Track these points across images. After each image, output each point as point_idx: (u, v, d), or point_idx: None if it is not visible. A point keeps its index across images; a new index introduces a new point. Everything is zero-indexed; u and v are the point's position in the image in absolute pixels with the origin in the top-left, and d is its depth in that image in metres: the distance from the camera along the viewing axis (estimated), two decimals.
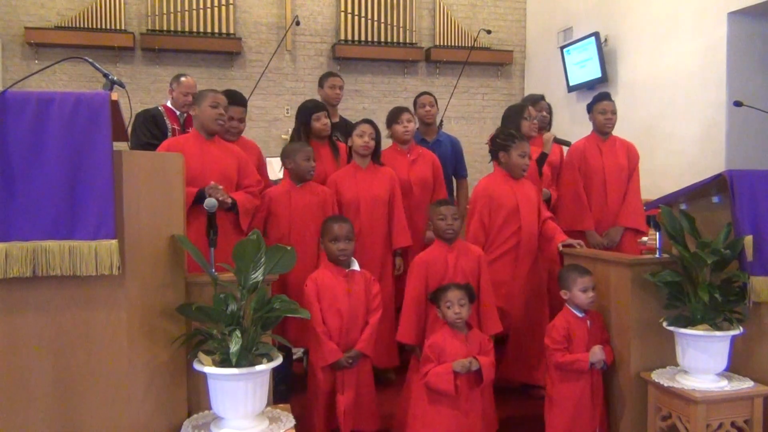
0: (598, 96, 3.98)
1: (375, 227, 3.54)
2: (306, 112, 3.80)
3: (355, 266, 2.96)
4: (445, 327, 2.79)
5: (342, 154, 3.86)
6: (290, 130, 7.39)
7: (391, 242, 3.61)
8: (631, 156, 3.96)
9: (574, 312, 2.88)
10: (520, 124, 3.87)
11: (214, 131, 3.24)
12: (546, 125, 4.40)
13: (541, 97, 4.55)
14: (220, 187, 3.11)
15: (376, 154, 3.64)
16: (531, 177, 3.58)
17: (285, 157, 3.45)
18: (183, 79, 4.43)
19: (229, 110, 3.40)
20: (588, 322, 2.88)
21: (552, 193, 4.01)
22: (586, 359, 2.79)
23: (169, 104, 4.44)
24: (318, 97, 4.36)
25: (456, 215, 3.02)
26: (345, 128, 4.19)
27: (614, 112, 3.91)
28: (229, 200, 3.14)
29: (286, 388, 3.40)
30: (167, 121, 4.32)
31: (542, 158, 3.82)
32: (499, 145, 3.46)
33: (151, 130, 4.22)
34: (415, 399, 2.82)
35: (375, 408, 2.97)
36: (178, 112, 4.40)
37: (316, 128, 3.77)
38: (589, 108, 3.98)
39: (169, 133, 4.26)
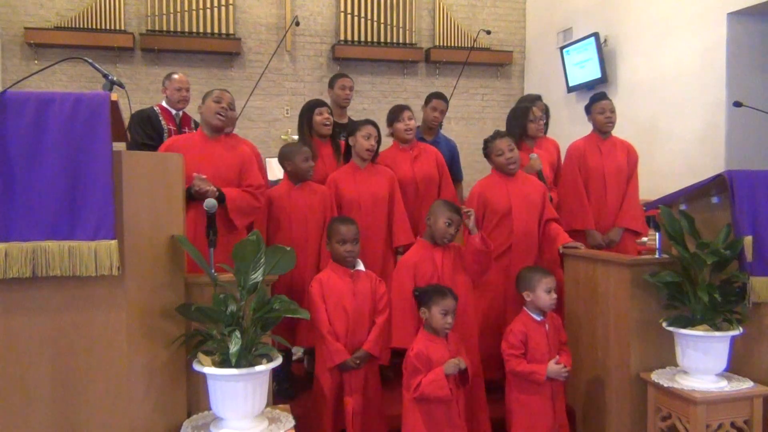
0: (596, 96, 3.97)
1: (375, 226, 3.54)
2: (310, 106, 3.86)
3: (360, 267, 2.95)
4: (423, 333, 2.71)
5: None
6: (290, 131, 7.44)
7: (392, 240, 3.61)
8: (630, 157, 3.95)
9: (533, 316, 2.85)
10: (526, 126, 3.87)
11: (215, 125, 3.22)
12: (544, 126, 4.39)
13: (538, 98, 4.54)
14: (204, 176, 3.04)
15: (375, 155, 3.65)
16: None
17: (283, 159, 3.46)
18: (175, 75, 4.44)
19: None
20: (546, 326, 2.85)
21: (552, 195, 3.99)
22: (543, 372, 2.74)
23: (164, 104, 4.43)
24: (328, 99, 4.38)
25: (459, 223, 2.97)
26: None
27: (613, 111, 3.90)
28: (213, 190, 3.02)
29: (289, 387, 3.42)
30: (162, 122, 4.32)
31: None
32: (484, 154, 3.51)
33: (145, 131, 4.22)
34: (407, 419, 2.71)
35: (383, 409, 2.94)
36: (173, 112, 4.40)
37: (317, 122, 3.78)
38: (587, 109, 3.98)
39: (165, 134, 4.27)
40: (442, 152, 4.19)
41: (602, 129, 3.91)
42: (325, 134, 3.83)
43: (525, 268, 3.00)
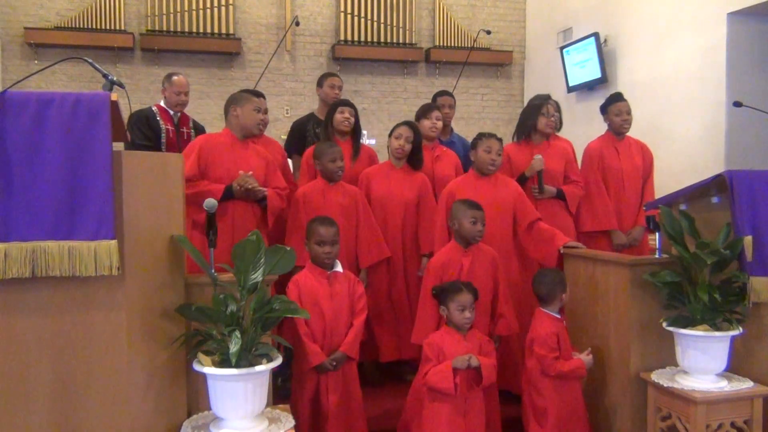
0: (612, 97, 4.03)
1: (399, 227, 3.59)
2: (335, 104, 3.94)
3: (338, 268, 2.93)
4: (443, 326, 2.77)
5: (365, 156, 3.94)
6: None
7: (420, 246, 3.64)
8: (645, 156, 4.02)
9: (553, 315, 2.87)
10: (536, 119, 3.88)
11: (254, 134, 3.43)
12: (557, 124, 4.36)
13: (548, 97, 4.51)
14: (250, 173, 3.27)
15: (415, 159, 3.68)
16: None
17: (315, 158, 3.54)
18: (175, 78, 4.44)
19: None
20: (564, 321, 2.91)
21: (567, 189, 3.95)
22: (583, 365, 2.79)
23: (162, 104, 4.44)
24: (316, 98, 4.41)
25: (483, 218, 2.98)
26: None
27: (629, 113, 3.98)
28: (261, 190, 3.29)
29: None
30: (160, 122, 4.33)
31: (521, 180, 3.68)
32: (472, 145, 3.50)
33: (143, 131, 4.25)
34: (417, 399, 2.79)
35: (362, 410, 2.93)
36: (171, 112, 4.41)
37: (337, 120, 3.85)
38: (603, 109, 4.03)
39: (163, 134, 4.31)
40: (458, 151, 4.23)
41: (619, 131, 3.98)
42: (343, 131, 3.88)
43: (546, 271, 2.99)
